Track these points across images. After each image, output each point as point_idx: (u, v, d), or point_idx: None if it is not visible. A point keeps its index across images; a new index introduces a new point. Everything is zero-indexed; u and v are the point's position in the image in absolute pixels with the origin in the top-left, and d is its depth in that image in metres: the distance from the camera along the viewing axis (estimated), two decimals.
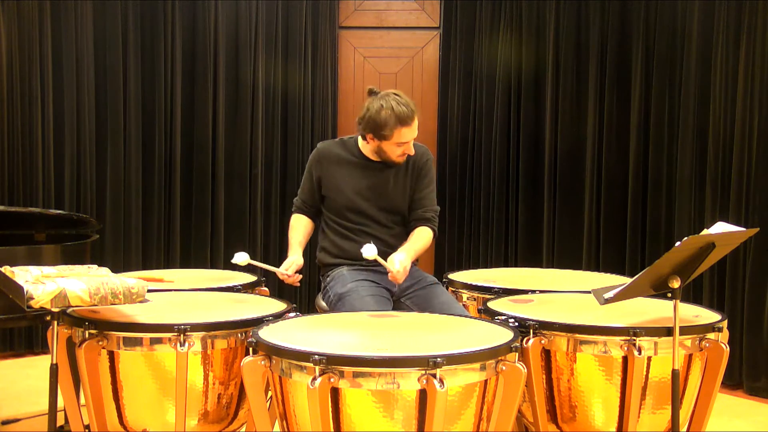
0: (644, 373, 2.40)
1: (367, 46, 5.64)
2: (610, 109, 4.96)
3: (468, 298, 3.06)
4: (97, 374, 2.43)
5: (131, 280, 2.43)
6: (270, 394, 2.35)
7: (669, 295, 2.37)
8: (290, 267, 3.02)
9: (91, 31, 5.03)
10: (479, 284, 3.06)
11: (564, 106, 5.10)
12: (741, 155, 4.32)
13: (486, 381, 2.16)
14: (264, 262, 3.10)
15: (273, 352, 2.16)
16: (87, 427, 2.55)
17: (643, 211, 4.82)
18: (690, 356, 2.46)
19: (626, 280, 2.62)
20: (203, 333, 2.39)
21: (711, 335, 2.46)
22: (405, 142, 2.97)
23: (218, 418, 2.50)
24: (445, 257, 5.49)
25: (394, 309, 2.88)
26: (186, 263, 5.29)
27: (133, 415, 2.46)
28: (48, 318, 2.34)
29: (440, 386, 2.00)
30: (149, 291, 2.48)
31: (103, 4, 5.07)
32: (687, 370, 2.47)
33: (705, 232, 2.37)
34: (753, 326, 4.27)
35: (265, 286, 3.17)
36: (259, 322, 2.42)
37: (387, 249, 3.07)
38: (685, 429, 2.56)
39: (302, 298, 5.43)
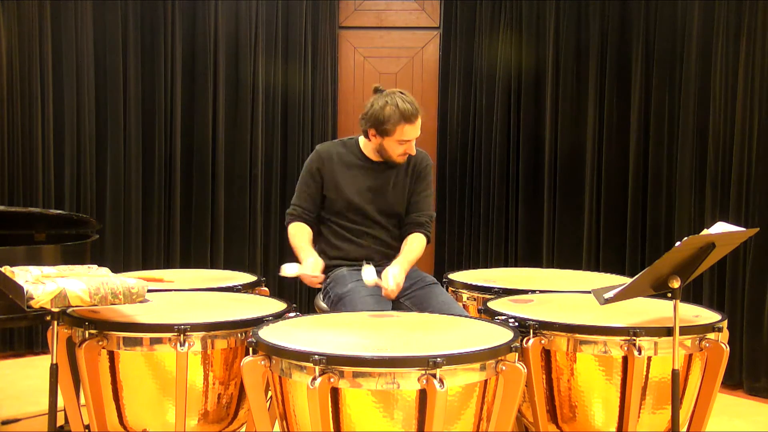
0: (644, 373, 2.40)
1: (367, 46, 5.64)
2: (610, 109, 4.96)
3: (468, 298, 3.06)
4: (97, 374, 2.43)
5: (131, 280, 2.43)
6: (270, 394, 2.35)
7: (669, 295, 2.37)
8: (316, 269, 2.95)
9: (91, 31, 5.03)
10: (479, 284, 3.06)
11: (564, 107, 5.10)
12: (741, 155, 4.32)
13: (486, 381, 2.16)
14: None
15: (273, 352, 2.16)
16: (87, 427, 2.55)
17: (643, 211, 4.82)
18: (690, 356, 2.46)
19: (626, 280, 2.62)
20: (203, 333, 2.39)
21: (711, 335, 2.46)
22: (407, 140, 2.97)
23: (218, 418, 2.50)
24: (445, 257, 5.49)
25: (393, 309, 2.88)
26: (186, 263, 5.29)
27: (133, 415, 2.46)
28: (48, 318, 2.34)
29: (440, 386, 2.00)
30: (149, 291, 2.48)
31: (103, 4, 5.07)
32: (687, 370, 2.47)
33: (705, 232, 2.37)
34: (753, 326, 4.27)
35: (265, 286, 3.17)
36: (259, 322, 2.42)
37: (386, 250, 3.07)
38: (685, 429, 2.56)
39: (302, 298, 5.43)
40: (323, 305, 3.05)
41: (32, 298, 2.24)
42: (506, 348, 2.18)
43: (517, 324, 2.43)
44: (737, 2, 4.36)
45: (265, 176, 5.47)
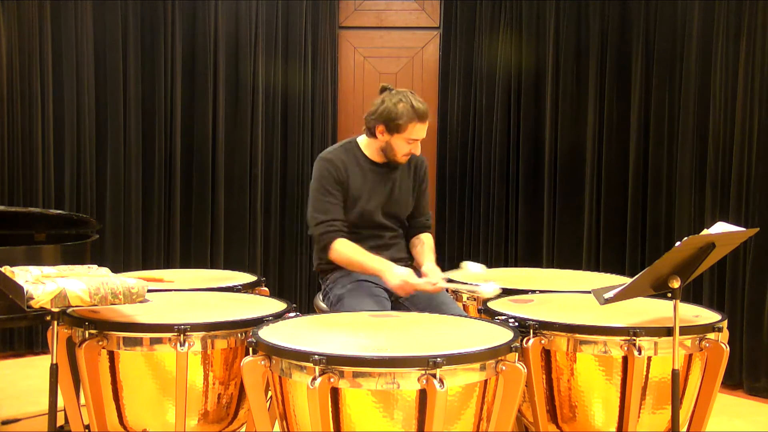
0: (644, 373, 2.40)
1: (367, 46, 5.64)
2: (610, 109, 4.96)
3: (468, 298, 3.06)
4: (97, 374, 2.43)
5: (131, 280, 2.43)
6: (270, 394, 2.35)
7: (669, 295, 2.37)
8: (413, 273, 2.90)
9: (91, 30, 5.03)
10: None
11: (564, 106, 5.10)
12: (741, 155, 4.32)
13: (486, 381, 2.16)
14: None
15: (273, 352, 2.16)
16: (87, 427, 2.55)
17: (643, 211, 4.82)
18: (690, 356, 2.46)
19: (626, 280, 2.62)
20: (203, 333, 2.39)
21: (711, 335, 2.46)
22: (414, 140, 2.98)
23: (218, 418, 2.50)
24: (446, 257, 5.49)
25: (393, 309, 2.88)
26: (186, 263, 5.29)
27: (133, 415, 2.46)
28: (48, 318, 2.34)
29: (440, 386, 2.00)
30: (149, 291, 2.48)
31: (103, 4, 5.07)
32: (687, 370, 2.47)
33: (705, 232, 2.37)
34: (753, 326, 4.27)
35: (265, 286, 3.17)
36: (259, 322, 2.41)
37: (387, 250, 3.07)
38: (685, 429, 2.56)
39: (302, 298, 5.43)
40: (323, 305, 3.05)
41: (32, 298, 2.24)
42: (506, 348, 2.18)
43: (517, 324, 2.43)
44: (737, 2, 4.36)
45: (265, 176, 5.47)
